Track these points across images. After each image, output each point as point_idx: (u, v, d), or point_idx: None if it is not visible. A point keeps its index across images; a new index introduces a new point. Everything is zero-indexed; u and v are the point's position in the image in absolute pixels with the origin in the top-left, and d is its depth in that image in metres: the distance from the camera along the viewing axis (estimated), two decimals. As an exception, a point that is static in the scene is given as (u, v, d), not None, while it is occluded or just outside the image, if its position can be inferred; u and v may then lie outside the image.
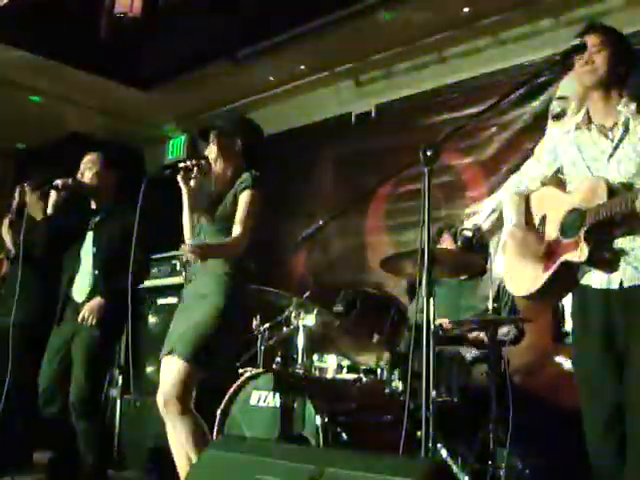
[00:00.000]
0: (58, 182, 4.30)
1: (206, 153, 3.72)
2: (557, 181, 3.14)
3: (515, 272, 3.19)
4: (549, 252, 2.98)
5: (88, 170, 4.48)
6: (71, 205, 4.42)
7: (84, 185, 4.46)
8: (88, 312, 4.25)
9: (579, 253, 2.80)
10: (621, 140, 2.86)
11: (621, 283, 2.79)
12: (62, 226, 4.42)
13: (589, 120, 2.97)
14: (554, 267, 2.93)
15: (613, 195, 2.74)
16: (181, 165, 3.67)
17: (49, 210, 4.34)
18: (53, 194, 4.33)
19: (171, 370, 3.44)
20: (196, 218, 3.75)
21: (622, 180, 2.79)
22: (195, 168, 3.64)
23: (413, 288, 5.49)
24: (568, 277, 2.94)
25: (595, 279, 2.87)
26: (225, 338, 3.56)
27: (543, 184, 3.17)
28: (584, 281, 2.91)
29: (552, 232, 3.00)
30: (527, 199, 3.21)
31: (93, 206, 4.55)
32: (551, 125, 5.38)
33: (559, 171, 3.12)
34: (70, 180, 4.37)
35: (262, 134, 3.91)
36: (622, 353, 2.78)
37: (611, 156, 2.86)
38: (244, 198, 3.57)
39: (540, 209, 3.15)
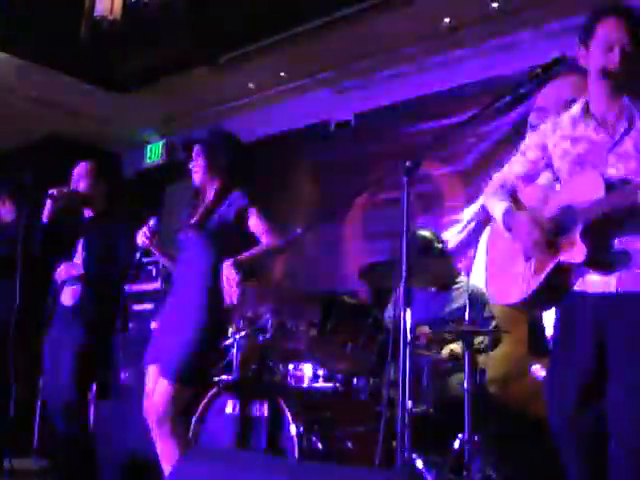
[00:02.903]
0: (54, 191, 4.36)
1: (190, 166, 3.74)
2: (545, 178, 2.97)
3: (499, 277, 3.00)
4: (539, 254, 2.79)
5: (82, 180, 4.56)
6: (65, 213, 4.50)
7: (79, 194, 4.54)
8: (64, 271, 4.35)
9: (576, 253, 2.63)
10: (623, 135, 2.69)
11: (617, 288, 2.62)
12: (57, 234, 4.49)
13: (588, 112, 2.80)
14: (547, 270, 2.74)
15: (610, 191, 2.58)
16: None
17: (44, 218, 4.39)
18: (48, 203, 4.39)
19: (160, 391, 3.45)
20: (179, 232, 3.76)
21: (620, 176, 2.63)
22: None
23: (379, 295, 5.46)
24: (561, 281, 2.75)
25: (590, 283, 2.69)
26: (209, 353, 3.61)
27: (530, 181, 2.99)
28: (577, 287, 2.72)
29: (542, 232, 2.80)
30: (513, 198, 3.00)
31: (87, 214, 4.63)
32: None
33: (547, 167, 2.93)
34: (65, 189, 4.45)
35: (246, 150, 3.96)
36: (608, 365, 2.62)
37: (610, 150, 2.69)
38: (254, 216, 3.63)
39: (527, 208, 2.94)
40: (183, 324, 3.50)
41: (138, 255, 3.80)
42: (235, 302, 3.34)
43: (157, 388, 3.47)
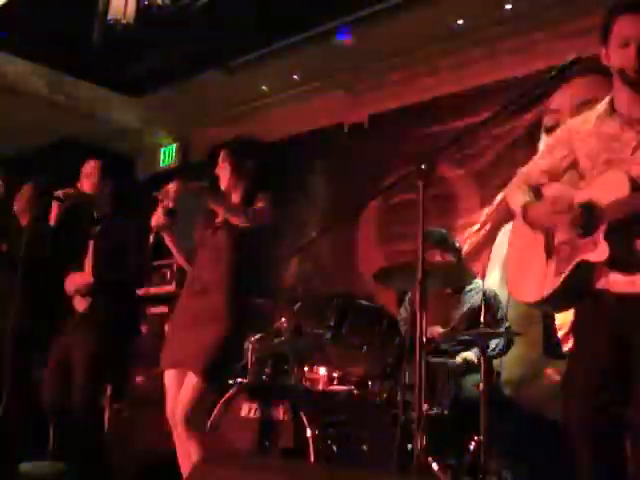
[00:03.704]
0: (59, 193, 4.27)
1: (216, 171, 3.75)
2: (570, 176, 2.89)
3: (520, 275, 2.94)
4: (561, 252, 2.75)
5: (86, 179, 4.47)
6: (74, 214, 4.42)
7: (84, 194, 4.44)
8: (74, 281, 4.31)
9: (598, 252, 2.58)
10: None
11: None
12: (66, 237, 4.43)
13: (613, 110, 2.73)
14: (569, 268, 2.69)
15: (636, 190, 2.51)
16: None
17: (51, 222, 4.33)
18: (55, 205, 4.31)
19: (189, 389, 3.44)
20: (201, 232, 3.79)
21: None
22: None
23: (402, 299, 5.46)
24: (583, 280, 2.69)
25: (613, 282, 2.62)
26: (236, 354, 3.67)
27: (554, 179, 2.91)
28: (599, 285, 2.66)
29: (564, 230, 2.76)
30: (537, 193, 2.94)
31: (95, 215, 4.54)
32: (544, 138, 5.37)
33: (572, 165, 2.85)
34: (71, 190, 4.35)
35: (271, 156, 3.96)
36: (632, 365, 2.56)
37: (637, 149, 2.62)
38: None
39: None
40: (210, 322, 3.50)
41: (152, 237, 3.78)
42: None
43: (185, 386, 3.45)
